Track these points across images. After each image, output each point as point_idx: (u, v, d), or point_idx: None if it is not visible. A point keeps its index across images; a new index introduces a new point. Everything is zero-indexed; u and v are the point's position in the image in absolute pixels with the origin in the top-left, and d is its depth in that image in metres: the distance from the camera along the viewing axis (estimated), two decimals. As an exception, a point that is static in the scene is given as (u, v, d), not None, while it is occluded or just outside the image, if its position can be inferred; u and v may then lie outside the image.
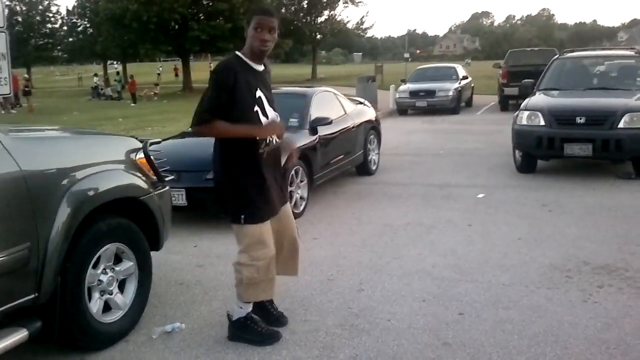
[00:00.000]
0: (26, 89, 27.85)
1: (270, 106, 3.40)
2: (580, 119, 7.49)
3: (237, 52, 3.34)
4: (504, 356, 3.25)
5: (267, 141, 3.33)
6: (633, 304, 3.86)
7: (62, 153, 3.33)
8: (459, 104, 17.93)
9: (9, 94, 6.23)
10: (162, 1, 31.96)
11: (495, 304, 3.92)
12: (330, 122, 7.12)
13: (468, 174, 8.47)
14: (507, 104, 17.23)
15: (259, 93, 3.31)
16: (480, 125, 14.63)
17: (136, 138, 4.08)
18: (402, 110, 18.29)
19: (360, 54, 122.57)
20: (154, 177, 3.93)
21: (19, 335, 2.91)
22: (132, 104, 28.65)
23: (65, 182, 3.17)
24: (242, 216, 3.31)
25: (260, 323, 3.55)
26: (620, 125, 7.30)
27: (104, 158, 3.58)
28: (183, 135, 7.30)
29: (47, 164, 3.14)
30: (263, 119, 3.32)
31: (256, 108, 3.29)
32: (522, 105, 8.34)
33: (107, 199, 3.43)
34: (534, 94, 8.68)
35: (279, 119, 3.46)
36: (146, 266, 3.83)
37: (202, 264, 5.00)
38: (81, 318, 3.27)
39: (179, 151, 6.33)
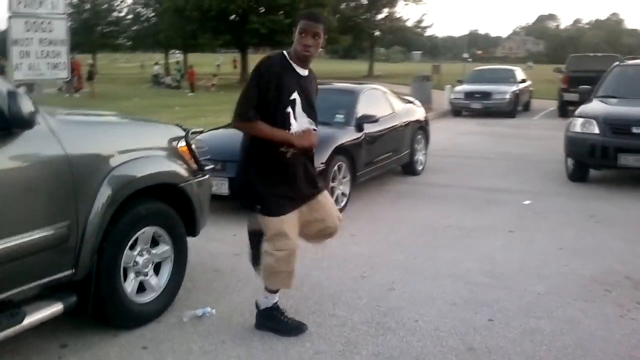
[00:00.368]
0: (90, 74, 28.78)
1: (306, 112, 3.35)
2: (637, 128, 7.22)
3: (284, 51, 3.34)
4: (529, 366, 3.20)
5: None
6: (672, 323, 3.72)
7: (106, 138, 3.45)
8: (515, 108, 17.54)
9: (67, 78, 6.52)
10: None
11: (527, 313, 3.85)
12: (377, 120, 7.11)
13: (517, 179, 8.31)
14: (567, 110, 16.70)
15: (294, 95, 3.28)
16: (535, 130, 14.30)
17: (180, 127, 4.19)
18: (457, 111, 18.04)
19: (420, 52, 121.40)
20: (194, 166, 4.03)
21: (55, 308, 3.05)
22: (190, 94, 29.24)
23: (106, 165, 3.30)
24: (258, 207, 3.36)
25: (286, 314, 3.60)
26: (680, 137, 7.01)
27: (146, 144, 3.70)
28: (229, 125, 7.42)
29: (90, 147, 3.27)
30: (292, 121, 3.29)
31: (289, 109, 3.28)
32: (576, 112, 8.12)
33: (146, 184, 3.55)
34: (590, 101, 8.43)
35: (312, 126, 3.41)
36: (182, 251, 3.93)
37: (238, 252, 5.08)
38: (115, 296, 3.40)
39: (223, 141, 6.44)
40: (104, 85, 33.86)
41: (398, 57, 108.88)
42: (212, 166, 4.44)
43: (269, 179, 3.34)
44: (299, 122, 3.32)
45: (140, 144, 3.65)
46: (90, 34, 57.39)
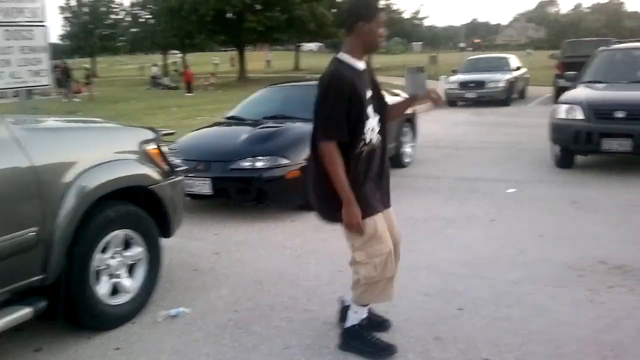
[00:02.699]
0: (87, 78, 28.91)
1: (376, 107, 3.11)
2: (620, 113, 7.24)
3: (339, 57, 3.07)
4: (493, 353, 3.24)
5: (367, 141, 3.05)
6: (640, 306, 3.76)
7: (72, 144, 3.52)
8: (510, 96, 17.53)
9: (49, 85, 6.60)
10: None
11: (498, 301, 3.89)
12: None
13: (504, 168, 8.34)
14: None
15: (369, 93, 3.08)
16: (529, 117, 14.28)
17: (151, 129, 4.24)
18: (452, 101, 18.02)
19: (420, 43, 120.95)
20: (166, 167, 4.09)
21: (23, 312, 3.12)
22: (187, 94, 29.30)
23: (72, 171, 3.36)
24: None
25: (374, 333, 3.33)
26: (663, 120, 7.02)
27: (114, 149, 3.77)
28: (215, 125, 7.50)
29: (55, 154, 3.34)
30: (368, 121, 3.05)
31: (369, 109, 3.06)
32: (560, 99, 8.14)
33: (114, 187, 3.60)
34: (576, 87, 8.44)
35: (378, 128, 3.13)
36: (156, 252, 4.00)
37: (219, 251, 5.15)
38: (86, 299, 3.46)
39: (206, 141, 6.54)
40: (103, 89, 34.00)
41: (398, 49, 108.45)
42: (186, 167, 4.49)
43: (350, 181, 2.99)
44: (372, 118, 3.08)
45: (108, 148, 3.72)
46: (89, 37, 57.60)
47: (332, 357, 3.26)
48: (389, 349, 3.26)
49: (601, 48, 9.32)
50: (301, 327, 3.64)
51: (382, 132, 3.17)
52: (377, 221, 3.08)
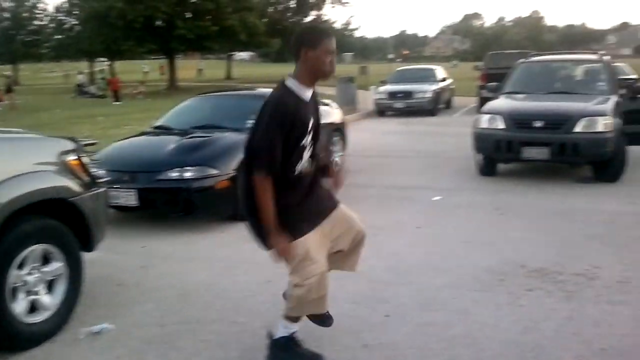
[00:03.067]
0: (8, 86, 27.70)
1: (313, 140, 3.10)
2: (538, 122, 7.57)
3: (286, 83, 3.01)
4: (419, 358, 3.32)
5: (297, 172, 3.05)
6: (557, 307, 3.92)
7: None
8: (436, 106, 18.02)
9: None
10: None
11: (423, 307, 3.98)
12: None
13: (430, 176, 8.55)
14: (485, 106, 17.31)
15: (310, 124, 3.05)
16: (454, 127, 14.70)
17: (72, 139, 4.10)
18: (381, 111, 18.36)
19: (351, 54, 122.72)
20: (87, 179, 3.96)
21: None
22: (115, 103, 28.54)
23: (-15, 184, 3.21)
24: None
25: (302, 345, 3.29)
26: (577, 129, 7.38)
27: (32, 160, 3.61)
28: (141, 134, 7.33)
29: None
30: (304, 156, 3.06)
31: (304, 142, 3.03)
32: (482, 109, 8.43)
33: (30, 200, 3.46)
34: (497, 97, 8.77)
35: (310, 166, 3.12)
36: (77, 267, 3.86)
37: (145, 264, 5.03)
38: (1, 318, 3.30)
39: (131, 151, 6.38)
40: (25, 97, 32.64)
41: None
42: (108, 178, 4.36)
43: (279, 207, 2.98)
44: (305, 153, 3.07)
45: (25, 159, 3.57)
46: (10, 43, 55.19)
47: (260, 369, 3.24)
48: (315, 359, 3.27)
49: (521, 60, 9.72)
50: (229, 340, 3.60)
51: (314, 158, 3.17)
52: (308, 242, 3.03)
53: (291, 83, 3.01)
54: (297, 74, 3.02)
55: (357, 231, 3.32)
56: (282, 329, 3.25)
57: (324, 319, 3.34)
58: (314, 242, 3.07)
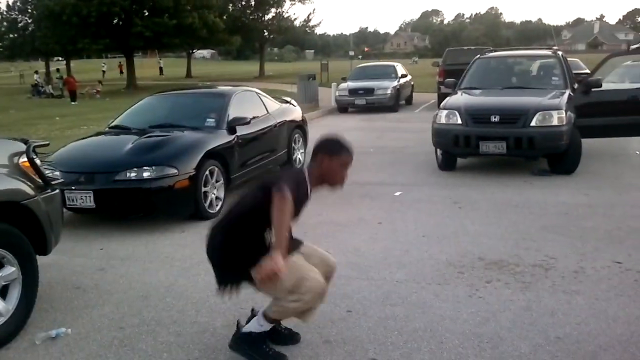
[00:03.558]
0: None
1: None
2: (495, 117, 7.70)
3: (304, 171, 3.17)
4: (380, 352, 3.34)
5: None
6: (515, 298, 4.00)
7: None
8: (397, 102, 18.16)
9: None
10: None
11: (384, 301, 4.01)
12: (249, 122, 7.13)
13: (391, 171, 8.62)
14: (445, 101, 17.53)
15: (300, 213, 3.16)
16: (415, 123, 14.86)
17: (22, 140, 4.00)
18: (343, 108, 18.41)
19: (313, 51, 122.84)
20: (40, 181, 3.87)
21: None
22: (72, 103, 27.94)
23: None
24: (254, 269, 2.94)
25: (269, 344, 3.30)
26: (532, 123, 7.54)
27: (-19, 162, 3.51)
28: (97, 134, 7.20)
29: None
30: None
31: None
32: (441, 105, 8.54)
33: (-21, 204, 3.36)
34: (455, 93, 8.89)
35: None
36: (31, 271, 3.77)
37: (103, 267, 4.94)
38: (-49, 326, 3.20)
39: (87, 152, 6.27)
40: (-23, 98, 31.72)
41: (291, 57, 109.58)
42: (61, 180, 4.27)
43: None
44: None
45: (-27, 162, 3.46)
46: (-40, 43, 53.43)
47: (221, 368, 3.22)
48: (280, 359, 3.27)
49: (477, 56, 9.87)
50: (189, 340, 3.56)
51: None
52: (293, 263, 3.07)
53: (307, 173, 3.16)
54: (310, 171, 3.17)
55: (330, 264, 3.41)
56: (257, 325, 3.25)
57: (292, 335, 3.50)
58: (299, 261, 3.16)
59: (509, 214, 6.11)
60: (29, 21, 49.84)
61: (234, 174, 6.84)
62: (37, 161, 3.88)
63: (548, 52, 9.76)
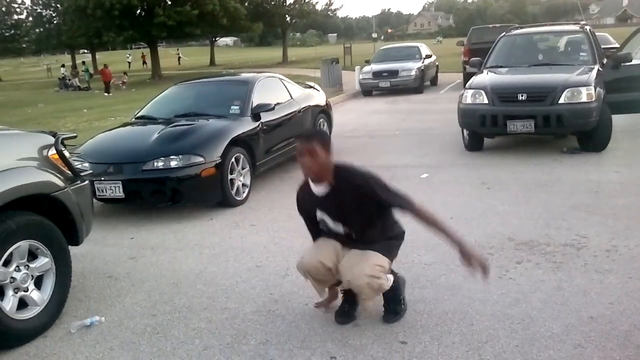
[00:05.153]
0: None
1: (340, 221, 3.38)
2: (522, 95, 7.57)
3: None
4: (410, 335, 3.33)
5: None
6: (546, 279, 3.95)
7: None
8: (422, 83, 17.97)
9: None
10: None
11: (413, 284, 3.99)
12: (273, 108, 7.13)
13: (418, 153, 8.56)
14: (470, 81, 17.30)
15: (319, 215, 3.42)
16: (441, 104, 14.71)
17: (51, 133, 4.05)
18: (367, 91, 18.29)
19: (335, 35, 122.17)
20: (69, 172, 3.93)
21: None
22: (106, 94, 28.22)
23: (-36, 182, 3.17)
24: None
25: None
26: (561, 100, 7.39)
27: (11, 156, 3.57)
28: (124, 125, 7.28)
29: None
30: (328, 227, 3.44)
31: (322, 226, 3.47)
32: (467, 84, 8.42)
33: (12, 197, 3.42)
34: (481, 72, 8.76)
35: (349, 228, 3.41)
36: (64, 261, 3.84)
37: (134, 255, 5.01)
38: (-10, 317, 3.28)
39: (115, 143, 6.34)
40: (7, 93, 32.39)
41: (314, 41, 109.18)
42: (91, 171, 4.33)
43: None
44: (335, 227, 3.42)
45: (4, 157, 3.52)
46: (-12, 39, 54.50)
47: (253, 354, 3.25)
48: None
49: (503, 34, 9.70)
50: (220, 326, 3.60)
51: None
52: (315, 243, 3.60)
53: None
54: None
55: (344, 274, 3.38)
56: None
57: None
58: (316, 246, 3.58)
59: (538, 194, 6.02)
60: (54, 15, 50.49)
61: (259, 161, 6.86)
62: (66, 153, 3.93)
63: (575, 27, 9.55)
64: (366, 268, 3.25)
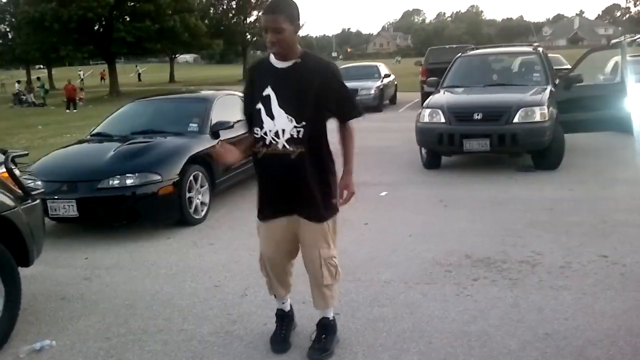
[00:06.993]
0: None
1: (286, 107, 3.00)
2: (478, 115, 7.73)
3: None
4: (369, 354, 3.32)
5: (266, 142, 3.05)
6: (502, 295, 4.00)
7: None
8: (381, 102, 18.18)
9: None
10: (80, 0, 31.11)
11: (372, 302, 4.00)
12: (232, 126, 7.08)
13: (377, 172, 8.61)
14: (428, 100, 17.60)
15: (267, 91, 3.01)
16: (399, 122, 14.89)
17: (3, 151, 3.94)
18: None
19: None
20: (19, 191, 3.81)
21: None
22: (68, 111, 27.51)
23: None
24: None
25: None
26: (515, 120, 7.57)
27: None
28: (79, 142, 7.13)
29: None
30: (266, 118, 3.02)
31: (259, 106, 3.03)
32: (424, 104, 8.56)
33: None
34: (438, 92, 8.91)
35: (293, 123, 3.00)
36: (13, 283, 3.71)
37: (88, 276, 4.88)
38: None
39: (69, 160, 6.21)
40: (-43, 109, 31.34)
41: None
42: (41, 190, 4.21)
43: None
44: (276, 120, 3.01)
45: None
46: (-61, 53, 52.80)
47: (209, 376, 3.19)
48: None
49: (459, 55, 9.91)
50: (176, 348, 3.52)
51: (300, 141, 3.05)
52: (261, 227, 3.34)
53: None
54: None
55: (309, 262, 3.38)
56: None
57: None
58: (266, 230, 3.34)
59: (494, 211, 6.12)
60: (8, 30, 49.42)
61: (219, 179, 6.80)
62: (17, 171, 3.82)
63: (529, 49, 9.83)
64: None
